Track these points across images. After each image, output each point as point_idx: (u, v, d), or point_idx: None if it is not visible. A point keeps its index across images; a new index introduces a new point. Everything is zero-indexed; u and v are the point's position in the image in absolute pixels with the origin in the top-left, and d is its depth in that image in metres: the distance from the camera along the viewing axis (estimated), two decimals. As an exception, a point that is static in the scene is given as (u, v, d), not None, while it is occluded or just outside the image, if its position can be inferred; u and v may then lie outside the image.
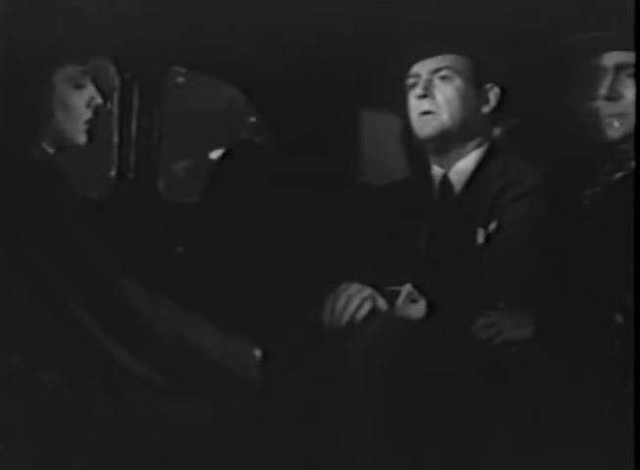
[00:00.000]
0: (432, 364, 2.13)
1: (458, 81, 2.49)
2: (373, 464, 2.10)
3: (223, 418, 2.08)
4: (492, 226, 2.39)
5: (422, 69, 2.51)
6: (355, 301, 2.27)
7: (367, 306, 2.26)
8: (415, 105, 2.51)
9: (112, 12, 2.32)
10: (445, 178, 2.53)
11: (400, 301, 2.27)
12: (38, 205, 2.01)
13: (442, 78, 2.49)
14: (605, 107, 2.21)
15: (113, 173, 2.75)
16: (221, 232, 2.72)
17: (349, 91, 2.88)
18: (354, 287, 2.29)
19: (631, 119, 2.19)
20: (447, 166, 2.53)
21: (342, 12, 2.58)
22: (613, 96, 2.20)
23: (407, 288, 2.28)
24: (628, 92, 2.20)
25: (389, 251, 2.46)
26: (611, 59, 2.22)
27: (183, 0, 2.54)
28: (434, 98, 2.49)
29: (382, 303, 2.27)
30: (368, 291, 2.28)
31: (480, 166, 2.52)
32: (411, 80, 2.52)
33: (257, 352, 2.17)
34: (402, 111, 2.60)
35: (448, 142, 2.51)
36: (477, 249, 2.38)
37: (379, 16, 2.59)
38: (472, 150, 2.52)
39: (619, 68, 2.20)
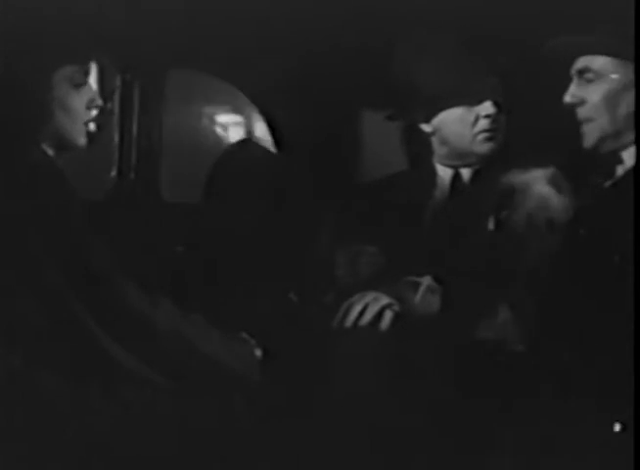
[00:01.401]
0: (434, 363, 2.13)
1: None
2: (373, 463, 2.10)
3: (223, 417, 2.08)
4: (503, 215, 2.39)
5: None
6: (373, 307, 2.27)
7: (389, 315, 2.26)
8: (471, 122, 2.50)
9: (112, 12, 2.32)
10: (457, 175, 2.54)
11: (420, 293, 2.27)
12: (38, 205, 2.01)
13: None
14: (576, 113, 2.23)
15: (113, 174, 2.76)
16: (221, 232, 2.73)
17: (350, 91, 2.88)
18: (371, 295, 2.29)
19: (602, 123, 2.20)
20: (459, 168, 2.54)
21: (343, 11, 2.58)
22: (576, 102, 2.22)
23: (427, 280, 2.29)
24: (592, 96, 2.21)
25: (393, 248, 2.46)
26: (574, 65, 2.23)
27: (183, 0, 2.54)
28: (498, 118, 2.50)
29: (399, 307, 2.27)
30: (385, 299, 2.28)
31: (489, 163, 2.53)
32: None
33: (257, 352, 2.17)
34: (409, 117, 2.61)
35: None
36: (486, 241, 2.39)
37: (379, 15, 2.59)
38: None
39: (581, 72, 2.22)
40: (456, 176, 2.55)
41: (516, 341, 2.18)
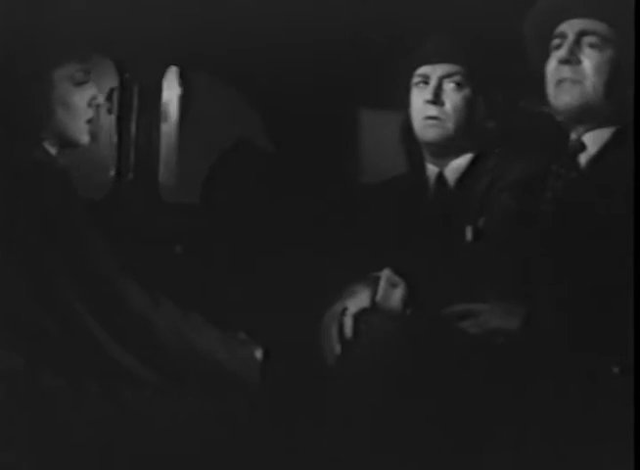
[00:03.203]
0: (431, 363, 2.13)
1: (467, 90, 2.49)
2: (372, 463, 2.10)
3: (223, 418, 2.08)
4: (481, 221, 2.39)
5: (432, 72, 2.50)
6: (334, 325, 2.27)
7: (349, 322, 2.26)
8: (421, 108, 2.51)
9: (112, 11, 2.32)
10: (441, 175, 2.54)
11: (382, 286, 2.26)
12: (39, 205, 2.02)
13: (456, 85, 2.49)
14: (560, 71, 2.19)
15: (112, 173, 2.76)
16: (221, 232, 2.73)
17: (349, 90, 2.88)
18: (331, 310, 2.29)
19: (587, 87, 2.17)
20: (442, 165, 2.54)
21: (342, 11, 2.58)
22: (571, 60, 2.17)
23: (386, 273, 2.28)
24: (587, 60, 2.17)
25: (388, 248, 2.47)
26: (572, 25, 2.19)
27: (184, 0, 2.54)
28: (443, 105, 2.49)
29: (359, 302, 2.27)
30: (339, 305, 2.27)
31: (474, 164, 2.53)
32: (417, 79, 2.52)
33: (258, 353, 2.17)
34: (402, 110, 2.60)
35: (449, 147, 2.52)
36: (467, 244, 2.39)
37: (379, 15, 2.60)
38: (467, 150, 2.53)
39: (581, 34, 2.18)
40: (440, 177, 2.55)
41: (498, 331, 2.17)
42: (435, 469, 2.10)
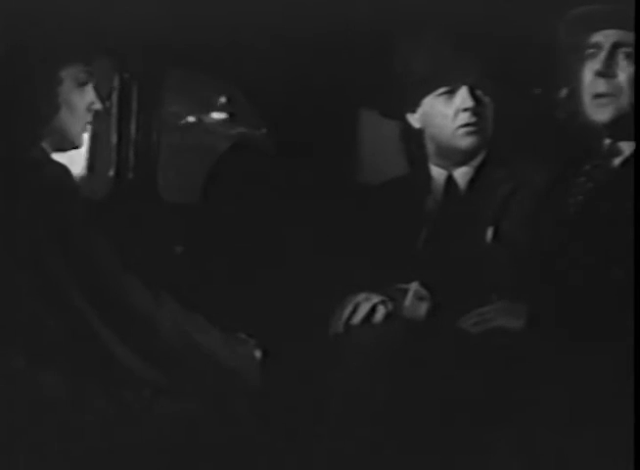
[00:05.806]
0: (431, 363, 2.13)
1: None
2: (373, 464, 2.10)
3: (223, 418, 2.08)
4: (503, 223, 2.38)
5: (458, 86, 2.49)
6: (365, 305, 2.28)
7: (382, 310, 2.27)
8: (451, 116, 2.49)
9: (112, 12, 2.32)
10: (450, 179, 2.53)
11: (408, 299, 2.28)
12: (40, 202, 2.02)
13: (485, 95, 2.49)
14: (597, 84, 2.17)
15: (111, 174, 2.76)
16: (221, 232, 2.73)
17: (349, 91, 2.88)
18: (362, 295, 2.30)
19: (623, 102, 2.15)
20: (451, 168, 2.54)
21: (342, 12, 2.58)
22: (607, 73, 2.15)
23: (414, 286, 2.29)
24: (622, 73, 2.15)
25: (391, 250, 2.46)
26: (607, 36, 2.17)
27: (183, 0, 2.54)
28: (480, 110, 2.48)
29: (391, 306, 2.29)
30: (377, 298, 2.29)
31: (483, 168, 2.52)
32: (443, 90, 2.50)
33: (257, 353, 2.17)
34: (402, 110, 2.60)
35: (477, 153, 2.52)
36: (482, 247, 2.38)
37: (378, 15, 2.60)
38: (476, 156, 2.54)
39: (616, 46, 2.16)
40: (450, 180, 2.55)
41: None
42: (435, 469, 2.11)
